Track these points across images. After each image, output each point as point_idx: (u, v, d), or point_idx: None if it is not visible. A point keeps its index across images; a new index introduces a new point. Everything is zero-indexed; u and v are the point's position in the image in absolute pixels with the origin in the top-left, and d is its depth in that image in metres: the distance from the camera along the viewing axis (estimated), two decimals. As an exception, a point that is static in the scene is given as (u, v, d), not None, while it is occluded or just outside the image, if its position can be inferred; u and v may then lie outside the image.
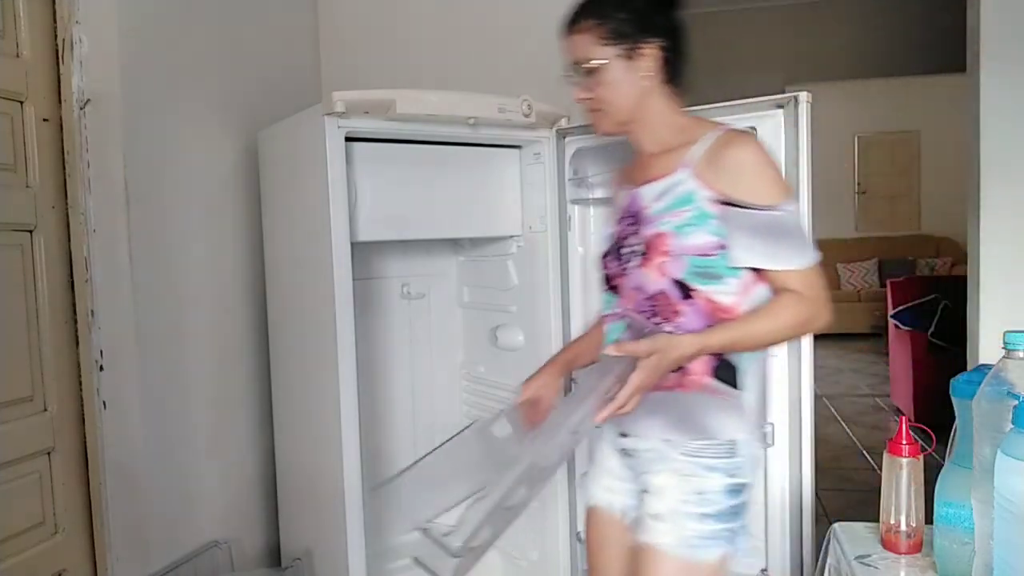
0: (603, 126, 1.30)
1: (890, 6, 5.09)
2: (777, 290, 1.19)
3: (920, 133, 8.12)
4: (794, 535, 1.62)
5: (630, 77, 1.24)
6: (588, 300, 1.99)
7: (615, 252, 1.29)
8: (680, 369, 1.18)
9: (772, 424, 1.63)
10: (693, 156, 1.20)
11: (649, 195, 1.23)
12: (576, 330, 1.99)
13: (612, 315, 1.29)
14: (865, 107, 8.04)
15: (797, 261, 1.17)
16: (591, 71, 1.24)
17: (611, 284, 1.30)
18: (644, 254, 1.21)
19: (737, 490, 1.19)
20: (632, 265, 1.23)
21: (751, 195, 1.15)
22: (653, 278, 1.20)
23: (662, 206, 1.20)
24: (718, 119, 1.64)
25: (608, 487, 1.35)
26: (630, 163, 1.35)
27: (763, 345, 1.22)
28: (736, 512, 1.20)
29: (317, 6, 2.72)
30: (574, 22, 1.26)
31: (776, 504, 1.64)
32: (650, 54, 1.25)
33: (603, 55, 1.23)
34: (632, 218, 1.26)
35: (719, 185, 1.17)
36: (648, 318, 1.20)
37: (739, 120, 1.62)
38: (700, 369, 1.19)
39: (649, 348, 1.11)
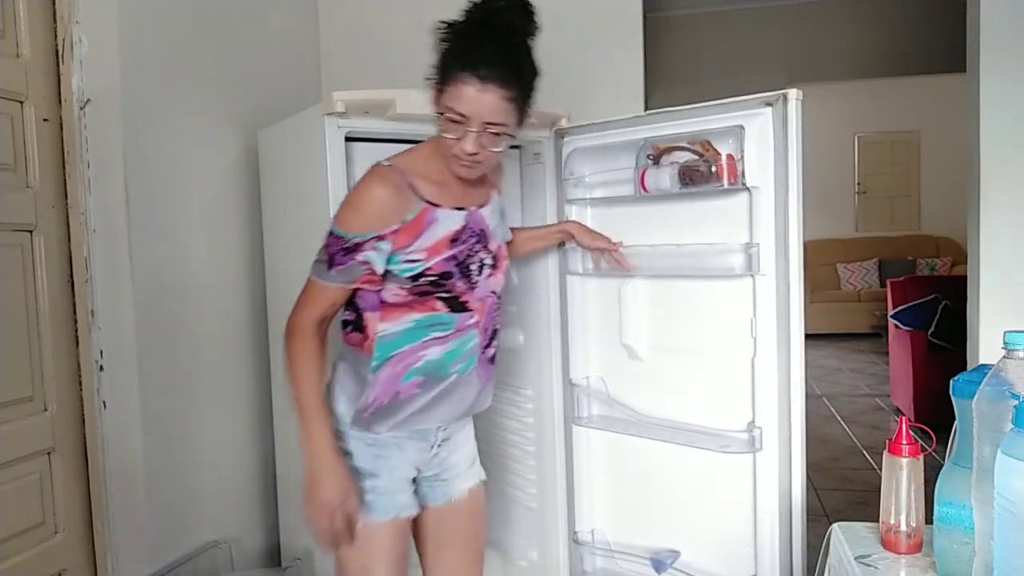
0: (473, 175, 1.34)
1: (890, 6, 5.08)
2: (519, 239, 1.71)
3: (920, 133, 8.12)
4: (784, 541, 1.60)
5: (509, 136, 1.30)
6: (588, 300, 1.99)
7: (460, 272, 1.34)
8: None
9: (760, 428, 1.63)
10: (493, 177, 1.47)
11: (489, 214, 1.42)
12: (575, 331, 1.99)
13: (463, 328, 1.37)
14: (865, 107, 8.04)
15: None
16: (497, 134, 1.26)
17: (459, 302, 1.36)
18: (495, 264, 1.41)
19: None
20: (483, 277, 1.38)
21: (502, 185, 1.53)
22: (501, 279, 1.44)
23: (495, 222, 1.44)
24: (705, 118, 1.67)
25: (407, 489, 1.42)
26: (437, 190, 1.34)
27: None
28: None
29: (317, 6, 2.72)
30: (503, 86, 1.23)
31: (766, 509, 1.63)
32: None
33: (511, 122, 1.27)
34: (477, 237, 1.38)
35: (501, 187, 1.51)
36: (496, 311, 1.44)
37: (727, 119, 1.62)
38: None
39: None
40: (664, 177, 1.72)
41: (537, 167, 2.02)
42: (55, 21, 1.74)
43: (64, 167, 1.77)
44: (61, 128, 1.76)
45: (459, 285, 1.35)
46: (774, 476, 1.61)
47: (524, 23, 1.27)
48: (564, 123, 1.97)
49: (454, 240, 1.34)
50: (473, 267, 1.37)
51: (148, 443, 1.85)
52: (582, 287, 1.99)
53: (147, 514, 1.86)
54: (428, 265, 1.31)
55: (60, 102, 1.75)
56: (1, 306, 1.62)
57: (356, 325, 1.36)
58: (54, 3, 1.74)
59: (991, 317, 2.18)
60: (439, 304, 1.34)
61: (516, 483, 2.19)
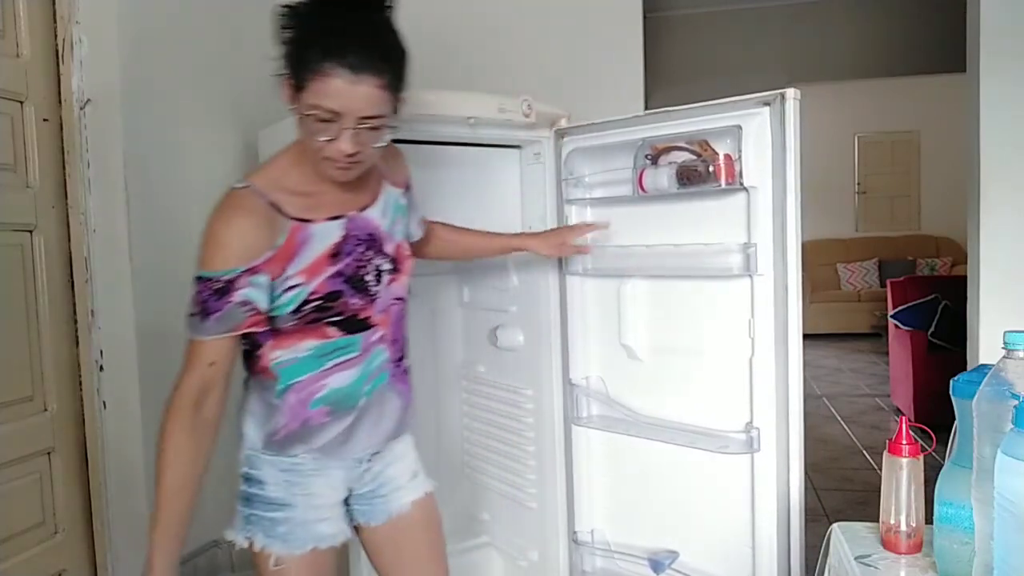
0: (352, 176, 1.16)
1: (890, 6, 5.08)
2: (433, 236, 1.56)
3: (920, 133, 8.13)
4: (782, 542, 1.60)
5: (390, 127, 1.14)
6: (587, 300, 1.99)
7: (353, 287, 1.21)
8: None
9: (758, 428, 1.62)
10: (382, 170, 1.30)
11: (379, 213, 1.27)
12: (575, 331, 1.99)
13: (369, 347, 1.25)
14: (865, 107, 8.05)
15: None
16: (376, 128, 1.10)
17: (358, 321, 1.23)
18: (395, 268, 1.28)
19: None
20: (383, 285, 1.26)
21: (407, 175, 1.38)
22: (405, 282, 1.31)
23: (389, 220, 1.29)
24: (703, 118, 1.65)
25: (333, 516, 1.31)
26: (305, 203, 1.18)
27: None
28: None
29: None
30: (377, 73, 1.06)
31: (764, 510, 1.63)
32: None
33: (388, 111, 1.11)
34: (366, 243, 1.23)
35: (400, 179, 1.35)
36: (402, 319, 1.33)
37: (725, 119, 1.61)
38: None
39: None
40: (662, 177, 1.72)
41: (537, 167, 2.02)
42: (55, 21, 1.74)
43: (64, 167, 1.77)
44: (61, 128, 1.76)
45: (354, 302, 1.21)
46: (772, 477, 1.60)
47: None
48: (564, 123, 1.97)
49: (335, 255, 1.19)
50: (369, 277, 1.23)
51: (148, 443, 1.85)
52: (582, 287, 1.99)
53: (147, 514, 1.85)
54: (312, 288, 1.17)
55: (60, 102, 1.75)
56: (1, 306, 1.62)
57: (250, 352, 1.24)
58: (54, 3, 1.74)
59: (991, 317, 2.18)
60: (331, 330, 1.20)
61: (516, 483, 2.19)
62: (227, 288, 1.10)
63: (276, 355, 1.21)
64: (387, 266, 1.27)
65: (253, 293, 1.12)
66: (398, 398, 1.32)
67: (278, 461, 1.26)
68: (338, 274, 1.19)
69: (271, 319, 1.17)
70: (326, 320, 1.20)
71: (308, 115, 1.07)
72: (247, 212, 1.12)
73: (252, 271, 1.11)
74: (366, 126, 1.09)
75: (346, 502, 1.35)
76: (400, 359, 1.33)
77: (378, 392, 1.28)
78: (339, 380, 1.23)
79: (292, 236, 1.15)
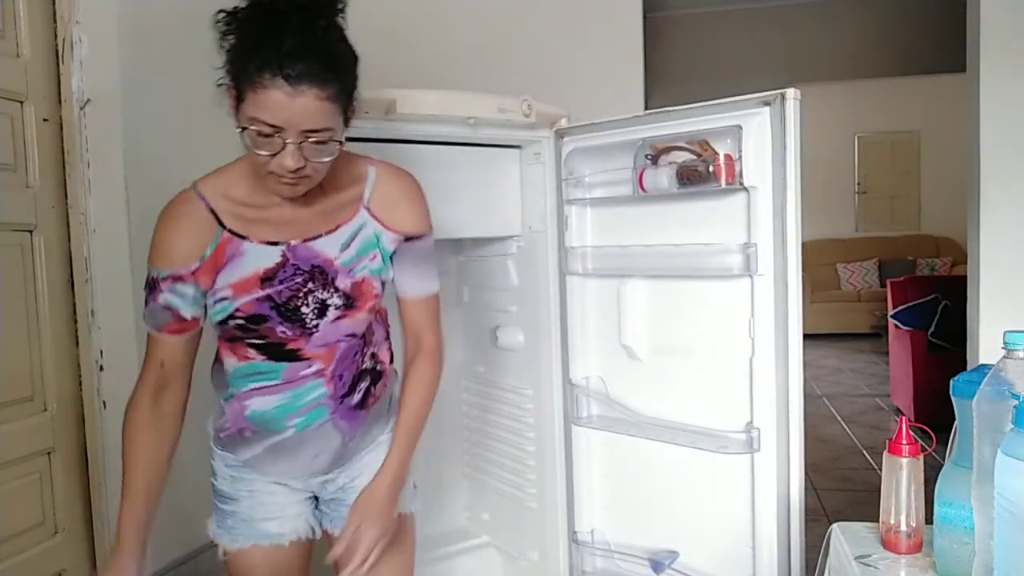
0: (300, 192, 1.09)
1: (890, 6, 5.08)
2: (410, 318, 1.27)
3: (920, 133, 8.13)
4: (782, 542, 1.60)
5: (341, 139, 1.06)
6: (587, 300, 1.99)
7: (282, 315, 1.14)
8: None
9: (758, 428, 1.62)
10: (366, 196, 1.18)
11: (333, 245, 1.16)
12: (575, 331, 1.99)
13: (295, 379, 1.18)
14: (865, 107, 8.05)
15: (435, 282, 1.28)
16: (322, 142, 1.02)
17: (284, 351, 1.16)
18: (349, 304, 1.17)
19: None
20: (327, 320, 1.16)
21: (418, 226, 1.23)
22: (363, 318, 1.20)
23: (353, 254, 1.17)
24: (703, 118, 1.65)
25: (300, 512, 1.30)
26: (244, 219, 1.13)
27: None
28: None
29: (317, 6, 2.71)
30: (319, 84, 0.98)
31: (764, 510, 1.63)
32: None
33: (336, 123, 1.03)
34: (307, 275, 1.14)
35: (397, 222, 1.20)
36: (355, 355, 1.23)
37: (725, 119, 1.61)
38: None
39: (374, 523, 1.18)
40: (662, 177, 1.72)
41: (537, 167, 2.02)
42: (55, 21, 1.74)
43: (64, 167, 1.77)
44: (61, 128, 1.76)
45: (282, 330, 1.14)
46: (772, 477, 1.60)
47: None
48: (564, 123, 1.97)
49: (267, 279, 1.12)
50: (306, 310, 1.14)
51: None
52: (582, 287, 1.99)
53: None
54: (237, 305, 1.11)
55: (60, 102, 1.76)
56: (1, 306, 1.62)
57: (219, 349, 1.22)
58: (54, 3, 1.74)
59: (991, 317, 2.18)
60: (252, 352, 1.16)
61: (516, 483, 2.19)
62: (154, 285, 1.11)
63: (225, 360, 1.21)
64: (336, 301, 1.16)
65: (175, 300, 1.11)
66: (339, 434, 1.24)
67: (226, 456, 1.27)
68: (268, 298, 1.13)
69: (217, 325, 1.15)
70: (247, 341, 1.15)
71: (250, 128, 1.00)
72: (182, 218, 1.10)
73: (176, 279, 1.10)
74: (311, 140, 1.01)
75: (319, 504, 1.34)
76: (346, 396, 1.23)
77: (314, 428, 1.21)
78: (259, 404, 1.19)
79: (222, 248, 1.11)
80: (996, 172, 2.16)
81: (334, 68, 1.00)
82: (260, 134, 1.00)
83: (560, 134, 1.96)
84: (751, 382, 1.64)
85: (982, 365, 1.01)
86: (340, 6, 1.03)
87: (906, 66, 5.34)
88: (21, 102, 1.67)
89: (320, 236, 1.15)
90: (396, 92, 1.71)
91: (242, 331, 1.14)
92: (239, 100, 1.01)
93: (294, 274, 1.14)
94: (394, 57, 2.62)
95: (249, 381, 1.18)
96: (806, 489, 1.62)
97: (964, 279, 2.35)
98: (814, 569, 1.27)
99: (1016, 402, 0.83)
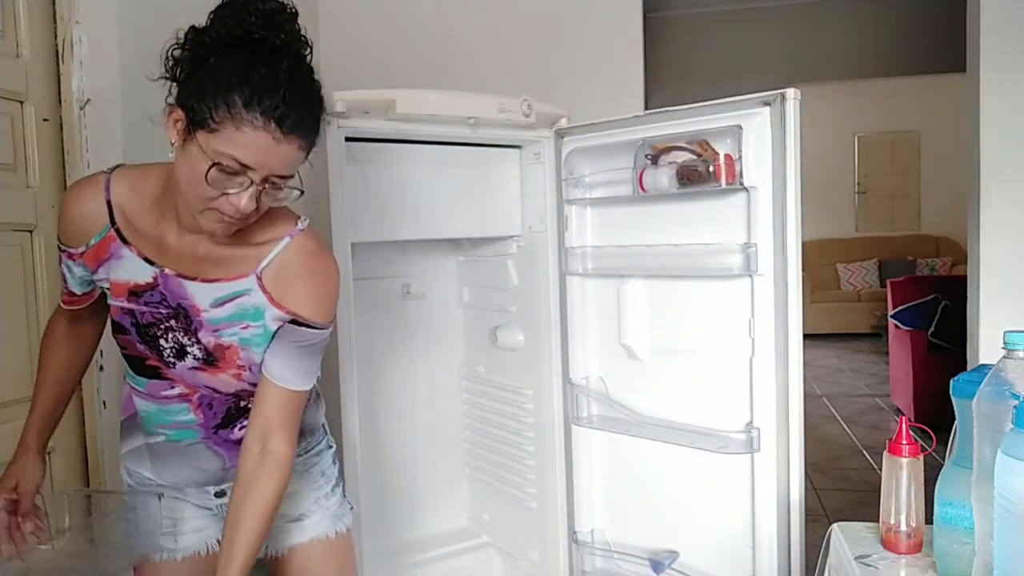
0: (229, 232, 1.02)
1: (890, 6, 5.08)
2: (263, 408, 1.09)
3: (920, 133, 8.13)
4: (782, 542, 1.60)
5: (301, 187, 1.02)
6: (587, 300, 1.99)
7: (140, 336, 1.11)
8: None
9: (758, 428, 1.63)
10: (264, 263, 1.07)
11: (206, 296, 1.07)
12: (575, 331, 1.99)
13: (158, 396, 1.15)
14: (865, 107, 8.05)
15: (310, 381, 1.13)
16: (279, 187, 0.98)
17: (145, 365, 1.13)
18: (211, 362, 1.10)
19: None
20: (185, 365, 1.11)
21: (319, 314, 1.09)
22: (227, 380, 1.13)
23: (226, 315, 1.08)
24: (703, 118, 1.66)
25: (200, 528, 1.27)
26: (137, 227, 1.08)
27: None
28: None
29: (317, 6, 2.72)
30: (303, 134, 0.95)
31: (764, 510, 1.63)
32: None
33: (298, 169, 1.00)
34: (171, 310, 1.08)
35: (289, 302, 1.07)
36: (222, 404, 1.16)
37: (725, 119, 1.62)
38: None
39: None
40: (662, 177, 1.72)
41: (537, 167, 2.03)
42: (55, 21, 1.74)
43: (64, 167, 1.77)
44: (61, 128, 1.76)
45: (141, 348, 1.11)
46: (772, 477, 1.60)
47: (303, 37, 1.00)
48: (564, 123, 1.97)
49: (134, 293, 1.08)
50: (164, 343, 1.10)
51: (148, 443, 1.85)
52: (582, 287, 1.99)
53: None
54: (111, 303, 1.11)
55: (60, 102, 1.75)
56: (1, 306, 1.62)
57: None
58: (54, 3, 1.74)
59: (991, 317, 2.18)
60: (122, 355, 1.15)
61: (516, 483, 2.19)
62: (59, 252, 1.14)
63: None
64: (196, 352, 1.10)
65: (66, 273, 1.15)
66: (218, 458, 1.19)
67: (124, 458, 1.29)
68: (131, 312, 1.09)
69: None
70: (118, 340, 1.14)
71: (212, 163, 0.92)
72: (80, 202, 1.08)
73: (68, 255, 1.12)
74: (274, 185, 0.97)
75: None
76: (220, 427, 1.16)
77: (185, 445, 1.18)
78: (136, 403, 1.19)
79: (105, 243, 1.07)
80: (996, 172, 2.16)
81: (319, 120, 0.99)
82: (225, 171, 0.93)
83: (560, 134, 1.96)
84: (751, 382, 1.64)
85: (982, 365, 1.01)
86: (311, 45, 1.01)
87: (906, 66, 5.34)
88: (21, 102, 1.67)
89: (195, 279, 1.07)
90: (396, 92, 1.71)
91: (115, 330, 1.14)
92: (201, 127, 0.93)
93: (160, 303, 1.08)
94: (394, 57, 2.62)
95: (127, 378, 1.20)
96: (806, 489, 1.62)
97: (964, 279, 2.35)
98: (814, 569, 1.27)
99: (1016, 402, 0.83)
